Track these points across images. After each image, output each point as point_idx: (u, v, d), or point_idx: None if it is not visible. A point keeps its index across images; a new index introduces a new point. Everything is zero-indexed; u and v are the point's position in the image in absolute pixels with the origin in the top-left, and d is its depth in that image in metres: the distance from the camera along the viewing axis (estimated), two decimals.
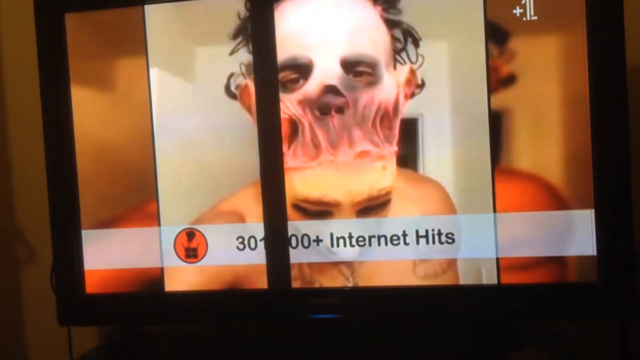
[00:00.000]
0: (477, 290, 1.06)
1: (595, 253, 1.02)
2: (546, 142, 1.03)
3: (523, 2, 1.03)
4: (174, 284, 1.14)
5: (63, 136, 1.14)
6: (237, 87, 1.10)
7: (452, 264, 1.07)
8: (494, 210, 1.05)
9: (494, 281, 1.06)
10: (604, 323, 1.23)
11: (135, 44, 1.13)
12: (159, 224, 1.13)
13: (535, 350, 1.06)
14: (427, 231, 1.07)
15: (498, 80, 1.04)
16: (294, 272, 1.10)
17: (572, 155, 1.02)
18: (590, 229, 1.02)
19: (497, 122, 1.04)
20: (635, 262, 1.01)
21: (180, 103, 1.12)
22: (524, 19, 1.03)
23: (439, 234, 1.07)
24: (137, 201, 1.14)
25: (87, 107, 1.15)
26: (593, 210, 1.02)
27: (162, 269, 1.14)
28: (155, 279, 1.14)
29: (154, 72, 1.12)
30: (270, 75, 1.09)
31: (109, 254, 1.15)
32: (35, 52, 1.14)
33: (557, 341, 1.12)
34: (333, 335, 1.15)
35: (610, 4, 1.00)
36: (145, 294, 1.14)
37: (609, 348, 1.25)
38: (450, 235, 1.06)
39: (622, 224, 1.01)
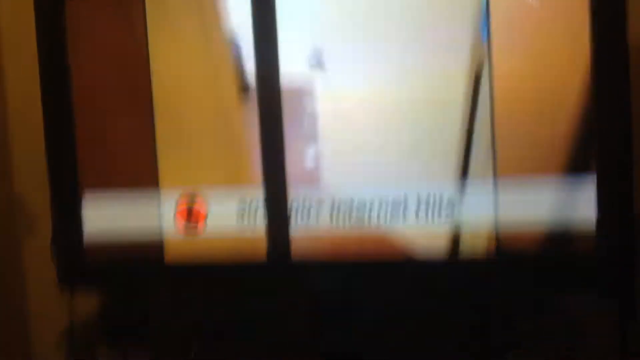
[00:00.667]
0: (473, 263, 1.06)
1: (594, 225, 1.01)
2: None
3: None
4: (173, 253, 1.14)
5: (61, 97, 1.14)
6: None
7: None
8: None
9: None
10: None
11: None
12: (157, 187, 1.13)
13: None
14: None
15: None
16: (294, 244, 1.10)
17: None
18: (592, 198, 1.01)
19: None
20: (635, 235, 1.01)
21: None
22: None
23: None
24: (136, 161, 1.14)
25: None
26: (595, 177, 1.01)
27: (161, 236, 1.14)
28: (154, 247, 1.14)
29: (152, 32, 1.12)
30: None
31: (109, 219, 1.15)
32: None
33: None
34: (332, 310, 1.15)
35: None
36: (144, 264, 1.15)
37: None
38: None
39: (623, 194, 1.00)
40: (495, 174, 1.03)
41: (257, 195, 1.10)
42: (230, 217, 1.11)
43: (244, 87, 1.09)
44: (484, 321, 1.09)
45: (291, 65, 1.07)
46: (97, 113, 1.15)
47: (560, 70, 1.01)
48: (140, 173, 1.14)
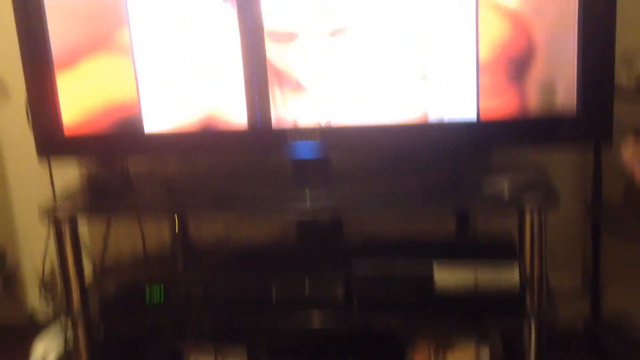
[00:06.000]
0: (456, 125, 1.07)
1: (575, 80, 1.02)
2: None
3: None
4: (153, 124, 1.13)
5: None
6: None
7: (425, 96, 1.06)
8: (476, 40, 1.03)
9: (474, 116, 1.06)
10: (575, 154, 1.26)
11: None
12: (132, 56, 1.10)
13: (510, 177, 1.08)
14: (399, 60, 1.05)
15: None
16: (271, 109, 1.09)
17: None
18: (573, 58, 1.01)
19: None
20: (613, 89, 1.02)
21: None
22: None
23: (410, 65, 1.05)
24: (107, 27, 1.10)
25: None
26: (576, 39, 1.00)
27: (139, 106, 1.12)
28: (134, 117, 1.13)
29: None
30: None
31: (85, 87, 1.13)
32: None
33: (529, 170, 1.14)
34: (312, 172, 1.16)
35: None
36: (125, 130, 1.14)
37: (579, 177, 1.29)
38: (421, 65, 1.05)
39: (605, 50, 1.00)
40: None
41: None
42: None
43: None
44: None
45: None
46: None
47: None
48: None
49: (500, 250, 1.11)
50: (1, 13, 1.22)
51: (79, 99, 1.14)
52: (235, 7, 1.06)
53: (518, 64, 1.03)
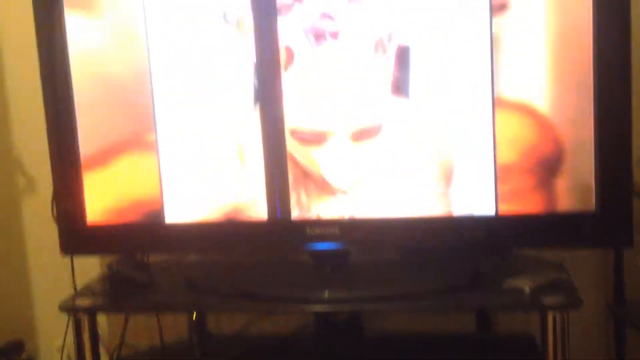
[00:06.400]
0: (475, 220, 1.07)
1: (594, 181, 1.02)
2: (543, 72, 1.02)
3: None
4: (174, 214, 1.14)
5: (59, 63, 1.13)
6: (235, 14, 1.08)
7: (446, 192, 1.07)
8: (493, 140, 1.04)
9: (492, 211, 1.06)
10: (594, 252, 1.25)
11: None
12: (157, 154, 1.13)
13: (531, 277, 1.07)
14: (421, 159, 1.07)
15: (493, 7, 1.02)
16: (292, 203, 1.11)
17: (572, 85, 1.02)
18: (590, 159, 1.02)
19: (494, 49, 1.03)
20: (632, 190, 1.02)
21: (178, 30, 1.10)
22: None
23: (434, 162, 1.07)
24: (135, 129, 1.13)
25: (82, 34, 1.13)
26: (593, 138, 1.02)
27: (162, 199, 1.14)
28: (155, 210, 1.15)
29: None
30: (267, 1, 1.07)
31: (110, 185, 1.15)
32: None
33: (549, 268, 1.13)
34: (332, 265, 1.16)
35: None
36: (146, 225, 1.15)
37: (601, 276, 1.28)
38: (445, 164, 1.06)
39: (622, 154, 1.01)
40: None
41: None
42: None
43: None
44: None
45: None
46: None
47: None
48: None
49: (522, 350, 1.09)
50: (31, 110, 1.27)
51: (104, 195, 1.16)
52: (258, 105, 1.09)
53: (537, 163, 1.04)
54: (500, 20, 1.02)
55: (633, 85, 1.00)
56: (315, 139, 1.09)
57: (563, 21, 1.01)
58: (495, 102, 1.03)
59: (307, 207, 1.11)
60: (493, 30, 1.02)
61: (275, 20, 1.07)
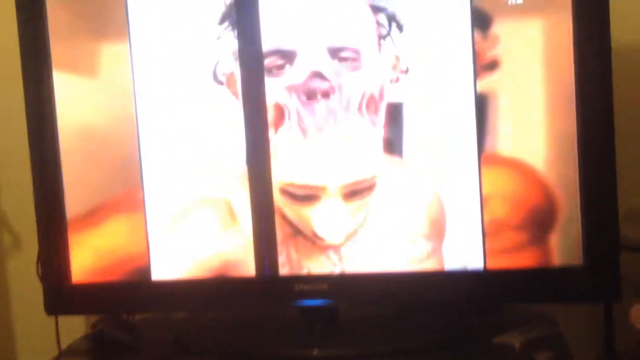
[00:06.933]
0: (463, 276, 1.07)
1: (580, 236, 1.03)
2: (530, 127, 1.03)
3: None
4: (160, 272, 1.14)
5: (46, 122, 1.13)
6: (224, 73, 1.10)
7: (437, 249, 1.07)
8: (480, 196, 1.05)
9: (480, 266, 1.06)
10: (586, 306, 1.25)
11: (118, 28, 1.12)
12: (144, 211, 1.13)
13: (521, 332, 1.07)
14: (412, 217, 1.07)
15: (481, 66, 1.04)
16: (281, 259, 1.10)
17: (557, 139, 1.03)
18: (576, 213, 1.03)
19: (481, 108, 1.04)
20: (620, 243, 1.03)
21: (166, 89, 1.12)
22: (509, 2, 1.03)
23: (424, 220, 1.07)
24: (122, 188, 1.13)
25: (70, 92, 1.13)
26: (579, 193, 1.02)
27: (148, 257, 1.13)
28: (141, 267, 1.14)
29: (137, 58, 1.12)
30: (256, 61, 1.08)
31: (95, 242, 1.14)
32: (16, 35, 1.13)
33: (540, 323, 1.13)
34: (321, 320, 1.15)
35: None
36: (131, 283, 1.14)
37: (593, 329, 1.27)
38: (435, 221, 1.07)
39: (608, 208, 1.02)
40: None
41: None
42: None
43: None
44: None
45: None
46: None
47: None
48: None
49: None
50: (18, 167, 1.27)
51: (90, 253, 1.15)
52: (247, 163, 1.10)
53: (525, 218, 1.05)
54: (490, 78, 1.04)
55: (618, 141, 1.01)
56: (306, 197, 1.09)
57: (550, 77, 1.03)
58: (485, 159, 1.05)
59: (296, 263, 1.11)
60: (483, 89, 1.04)
61: (263, 80, 1.08)
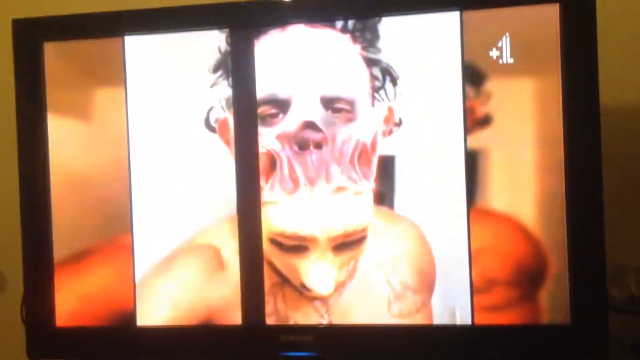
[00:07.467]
0: (451, 330, 1.07)
1: (568, 294, 1.03)
2: (521, 184, 1.04)
3: (500, 45, 1.05)
4: (146, 318, 1.12)
5: (38, 164, 1.13)
6: (217, 120, 1.10)
7: (426, 303, 1.07)
8: (469, 251, 1.05)
9: (468, 321, 1.06)
10: None
11: (114, 74, 1.13)
12: (132, 257, 1.12)
13: None
14: (402, 270, 1.07)
15: (474, 121, 1.05)
16: (268, 308, 1.10)
17: (546, 197, 1.04)
18: (564, 270, 1.03)
19: (472, 163, 1.05)
20: (607, 303, 1.02)
21: (159, 135, 1.12)
22: (500, 61, 1.04)
23: (414, 273, 1.07)
24: (111, 233, 1.13)
25: (63, 137, 1.14)
26: (566, 251, 1.03)
27: (134, 302, 1.12)
28: (127, 312, 1.13)
29: (132, 104, 1.12)
30: (249, 109, 1.09)
31: (81, 287, 1.13)
32: (12, 80, 1.14)
33: None
34: None
35: (584, 50, 1.02)
36: (116, 329, 1.13)
37: None
38: (424, 275, 1.07)
39: (595, 265, 1.02)
40: None
41: None
42: None
43: None
44: None
45: None
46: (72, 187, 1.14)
47: None
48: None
49: None
50: (6, 211, 1.26)
51: (75, 297, 1.14)
52: (237, 212, 1.10)
53: (514, 274, 1.05)
54: (483, 133, 1.05)
55: (606, 197, 1.02)
56: (295, 247, 1.09)
57: (540, 135, 1.04)
58: (475, 213, 1.05)
59: (283, 313, 1.10)
60: (475, 143, 1.05)
61: (256, 128, 1.09)
